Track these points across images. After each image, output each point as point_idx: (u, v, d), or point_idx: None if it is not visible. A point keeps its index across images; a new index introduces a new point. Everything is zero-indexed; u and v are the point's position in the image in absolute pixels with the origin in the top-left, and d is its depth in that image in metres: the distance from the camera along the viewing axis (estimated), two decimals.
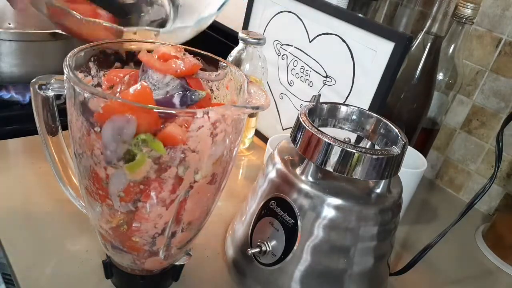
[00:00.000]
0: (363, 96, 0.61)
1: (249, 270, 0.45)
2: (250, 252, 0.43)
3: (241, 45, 0.68)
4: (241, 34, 0.67)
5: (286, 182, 0.42)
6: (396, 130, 0.44)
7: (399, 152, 0.41)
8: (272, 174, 0.44)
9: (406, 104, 0.65)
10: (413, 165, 0.60)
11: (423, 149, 0.71)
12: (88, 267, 0.46)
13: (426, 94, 0.66)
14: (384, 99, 0.59)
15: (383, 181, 0.42)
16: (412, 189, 0.61)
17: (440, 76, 0.70)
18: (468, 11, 0.65)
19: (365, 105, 0.60)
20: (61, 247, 0.48)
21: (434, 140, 0.76)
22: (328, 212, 0.40)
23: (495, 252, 0.63)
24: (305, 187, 0.41)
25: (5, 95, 0.71)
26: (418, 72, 0.64)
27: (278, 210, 0.43)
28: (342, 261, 0.42)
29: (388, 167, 0.40)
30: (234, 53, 0.68)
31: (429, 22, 0.62)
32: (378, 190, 0.43)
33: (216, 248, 0.52)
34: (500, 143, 0.46)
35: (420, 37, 0.64)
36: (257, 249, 0.43)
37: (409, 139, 0.69)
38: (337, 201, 0.40)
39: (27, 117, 0.59)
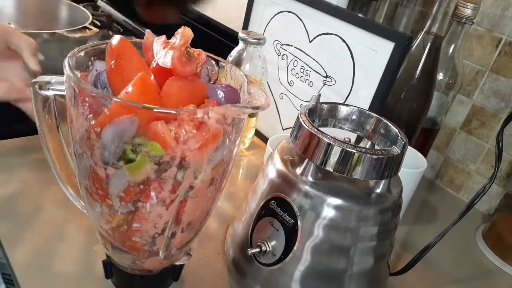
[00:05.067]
0: (363, 96, 0.61)
1: (249, 270, 0.45)
2: (250, 252, 0.43)
3: (241, 45, 0.68)
4: (241, 34, 0.67)
5: (286, 182, 0.42)
6: (396, 130, 0.44)
7: (399, 152, 0.41)
8: (272, 174, 0.44)
9: (406, 104, 0.65)
10: (413, 165, 0.60)
11: (423, 149, 0.71)
12: (88, 267, 0.46)
13: (426, 94, 0.65)
14: (384, 99, 0.59)
15: (383, 181, 0.42)
16: (412, 189, 0.61)
17: (440, 76, 0.70)
18: (468, 11, 0.65)
19: (365, 105, 0.60)
20: (61, 247, 0.48)
21: (434, 140, 0.76)
22: (328, 212, 0.40)
23: (495, 252, 0.63)
24: (305, 187, 0.41)
25: None
26: (418, 72, 0.64)
27: (278, 210, 0.43)
28: (342, 261, 0.42)
29: (388, 167, 0.40)
30: (234, 53, 0.68)
31: (429, 22, 0.62)
32: (378, 190, 0.43)
33: (216, 248, 0.52)
34: (500, 143, 0.46)
35: (420, 37, 0.64)
36: (257, 249, 0.43)
37: (409, 139, 0.69)
38: (337, 201, 0.40)
39: (27, 117, 0.59)
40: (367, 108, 0.56)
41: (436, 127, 0.74)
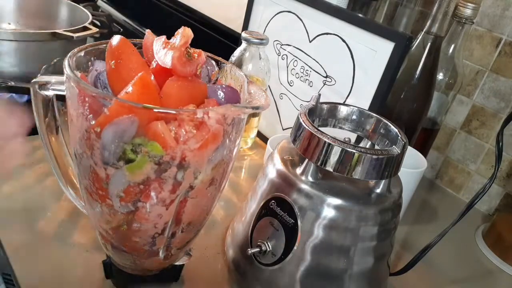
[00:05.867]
0: (363, 96, 0.61)
1: (249, 270, 0.45)
2: (250, 252, 0.43)
3: (243, 45, 0.68)
4: (244, 34, 0.67)
5: (286, 182, 0.42)
6: (396, 130, 0.44)
7: (399, 152, 0.41)
8: (272, 174, 0.44)
9: (406, 104, 0.65)
10: (413, 165, 0.60)
11: (423, 149, 0.71)
12: (88, 267, 0.46)
13: (426, 94, 0.65)
14: (384, 99, 0.59)
15: (383, 181, 0.42)
16: (412, 189, 0.61)
17: (440, 76, 0.70)
18: (468, 11, 0.65)
19: (365, 105, 0.60)
20: (61, 247, 0.48)
21: (434, 140, 0.76)
22: (328, 212, 0.40)
23: (495, 252, 0.63)
24: (305, 187, 0.41)
25: (5, 95, 0.71)
26: (418, 72, 0.64)
27: (278, 210, 0.43)
28: (342, 261, 0.42)
29: (388, 167, 0.40)
30: (237, 53, 0.68)
31: (429, 22, 0.62)
32: (378, 190, 0.43)
33: (216, 248, 0.52)
34: (500, 143, 0.46)
35: (420, 37, 0.64)
36: (257, 249, 0.43)
37: (409, 139, 0.69)
38: (337, 201, 0.40)
39: (26, 117, 0.59)
40: (367, 108, 0.56)
41: (436, 127, 0.74)
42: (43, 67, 0.65)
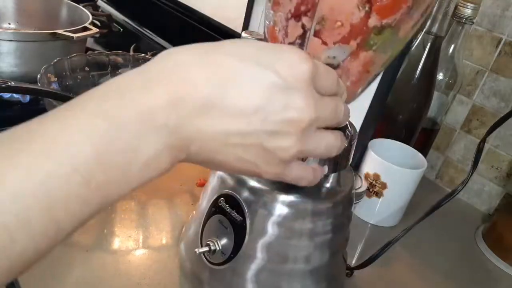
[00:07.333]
0: (363, 96, 0.60)
1: (200, 270, 0.44)
2: (198, 251, 0.42)
3: None
4: (244, 34, 0.67)
5: (234, 178, 0.41)
6: (346, 123, 0.42)
7: (345, 145, 0.38)
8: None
9: (406, 104, 0.65)
10: (413, 165, 0.60)
11: (423, 149, 0.71)
12: (88, 267, 0.46)
13: (426, 94, 0.66)
14: (384, 99, 0.59)
15: (333, 175, 0.41)
16: (412, 189, 0.61)
17: (440, 76, 0.70)
18: (468, 11, 0.65)
19: (365, 105, 0.60)
20: (61, 247, 0.48)
21: (434, 140, 0.76)
22: (279, 209, 0.39)
23: (495, 252, 0.63)
24: (253, 183, 0.40)
25: (5, 95, 0.71)
26: (418, 72, 0.64)
27: (227, 207, 0.41)
28: (295, 258, 0.41)
29: (335, 160, 0.39)
30: None
31: (429, 22, 0.62)
32: (328, 185, 0.41)
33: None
34: (480, 152, 0.45)
35: (420, 37, 0.64)
36: (206, 248, 0.41)
37: (409, 139, 0.69)
38: (287, 197, 0.39)
39: (27, 117, 0.59)
40: (367, 108, 0.56)
41: (436, 127, 0.74)
42: (43, 67, 0.65)
